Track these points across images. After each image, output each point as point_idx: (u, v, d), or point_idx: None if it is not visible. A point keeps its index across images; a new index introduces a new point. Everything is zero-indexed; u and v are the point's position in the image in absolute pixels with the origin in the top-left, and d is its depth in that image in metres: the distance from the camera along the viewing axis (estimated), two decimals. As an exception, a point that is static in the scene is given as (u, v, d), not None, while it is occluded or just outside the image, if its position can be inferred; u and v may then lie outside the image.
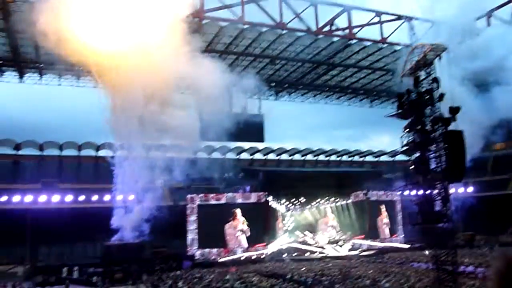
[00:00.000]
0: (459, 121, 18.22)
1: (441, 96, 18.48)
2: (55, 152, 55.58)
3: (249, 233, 49.55)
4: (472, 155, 46.49)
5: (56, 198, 46.58)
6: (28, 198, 45.67)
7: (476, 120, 45.94)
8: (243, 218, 49.36)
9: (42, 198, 46.19)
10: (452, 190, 18.91)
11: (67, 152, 56.73)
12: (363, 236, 54.98)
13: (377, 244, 54.04)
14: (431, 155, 18.35)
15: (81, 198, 47.54)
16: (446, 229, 18.02)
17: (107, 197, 46.68)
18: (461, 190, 54.37)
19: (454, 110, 17.86)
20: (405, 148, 19.23)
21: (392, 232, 57.57)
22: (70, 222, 41.94)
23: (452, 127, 17.93)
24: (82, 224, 41.74)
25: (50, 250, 42.42)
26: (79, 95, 55.57)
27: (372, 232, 56.05)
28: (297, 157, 67.39)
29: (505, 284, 0.80)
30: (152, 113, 40.99)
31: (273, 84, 57.82)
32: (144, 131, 41.72)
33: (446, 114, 18.10)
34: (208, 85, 41.94)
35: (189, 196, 48.51)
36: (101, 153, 56.40)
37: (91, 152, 57.37)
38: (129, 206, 44.44)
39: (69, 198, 47.08)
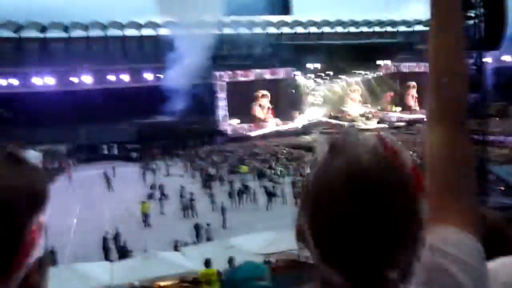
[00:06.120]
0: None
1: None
2: (81, 33, 53.72)
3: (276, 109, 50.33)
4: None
5: (87, 79, 47.31)
6: (51, 80, 46.54)
7: None
8: (269, 95, 49.79)
9: (73, 79, 47.06)
10: (488, 59, 18.05)
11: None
12: (392, 108, 55.00)
13: (407, 116, 54.10)
14: (470, 22, 17.28)
15: (113, 78, 48.19)
16: (478, 99, 17.66)
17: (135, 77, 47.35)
18: (498, 59, 52.17)
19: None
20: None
21: (422, 104, 57.23)
22: (105, 103, 43.04)
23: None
24: (117, 104, 42.85)
25: (88, 130, 44.00)
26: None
27: (402, 104, 55.97)
28: (326, 29, 64.83)
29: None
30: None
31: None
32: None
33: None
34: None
35: (217, 73, 48.42)
36: (128, 32, 54.89)
37: (116, 32, 55.31)
38: (169, 85, 44.73)
39: (97, 78, 47.75)
